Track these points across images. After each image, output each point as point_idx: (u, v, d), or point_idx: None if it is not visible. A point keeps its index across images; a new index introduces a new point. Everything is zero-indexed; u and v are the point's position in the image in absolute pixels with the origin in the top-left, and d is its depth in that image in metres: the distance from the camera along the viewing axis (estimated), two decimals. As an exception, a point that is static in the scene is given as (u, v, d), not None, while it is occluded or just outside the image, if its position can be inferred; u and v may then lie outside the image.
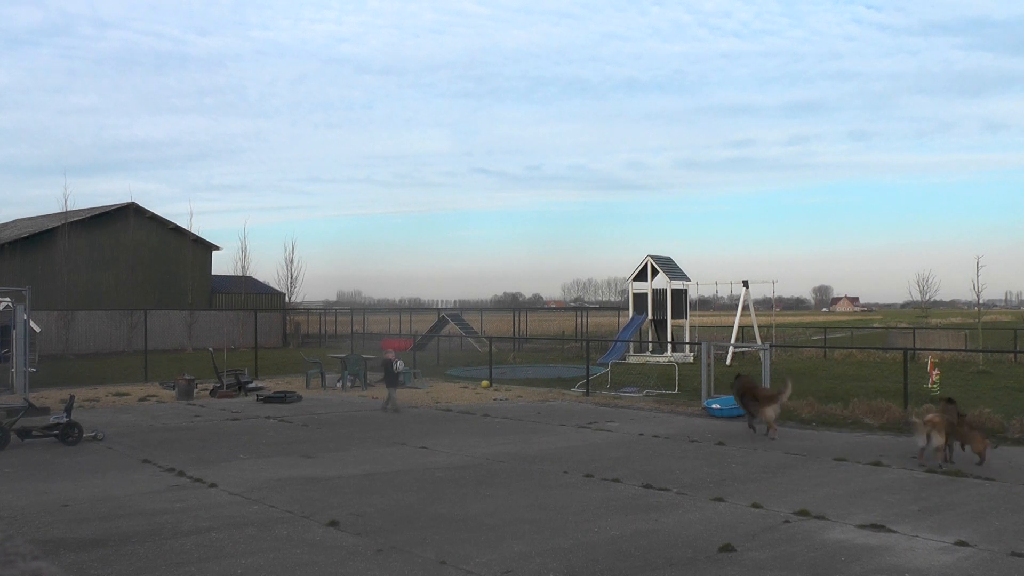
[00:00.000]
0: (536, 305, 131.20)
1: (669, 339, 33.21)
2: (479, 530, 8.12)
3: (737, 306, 35.95)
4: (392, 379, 17.97)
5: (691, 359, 30.87)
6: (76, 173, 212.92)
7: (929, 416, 11.59)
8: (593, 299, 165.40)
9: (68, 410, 13.68)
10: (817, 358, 33.84)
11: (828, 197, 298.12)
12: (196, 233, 46.92)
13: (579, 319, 48.89)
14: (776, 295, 42.11)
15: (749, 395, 14.44)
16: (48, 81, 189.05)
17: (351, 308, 56.49)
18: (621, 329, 36.72)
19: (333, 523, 8.38)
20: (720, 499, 9.43)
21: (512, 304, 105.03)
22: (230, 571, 6.90)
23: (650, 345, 33.15)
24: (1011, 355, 31.54)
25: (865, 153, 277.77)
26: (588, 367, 22.09)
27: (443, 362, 31.14)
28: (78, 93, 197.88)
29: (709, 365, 18.67)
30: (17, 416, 13.65)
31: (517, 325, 46.95)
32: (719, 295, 40.71)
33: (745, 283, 34.99)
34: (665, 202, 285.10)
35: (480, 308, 61.65)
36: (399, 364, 18.21)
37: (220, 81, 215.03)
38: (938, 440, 11.28)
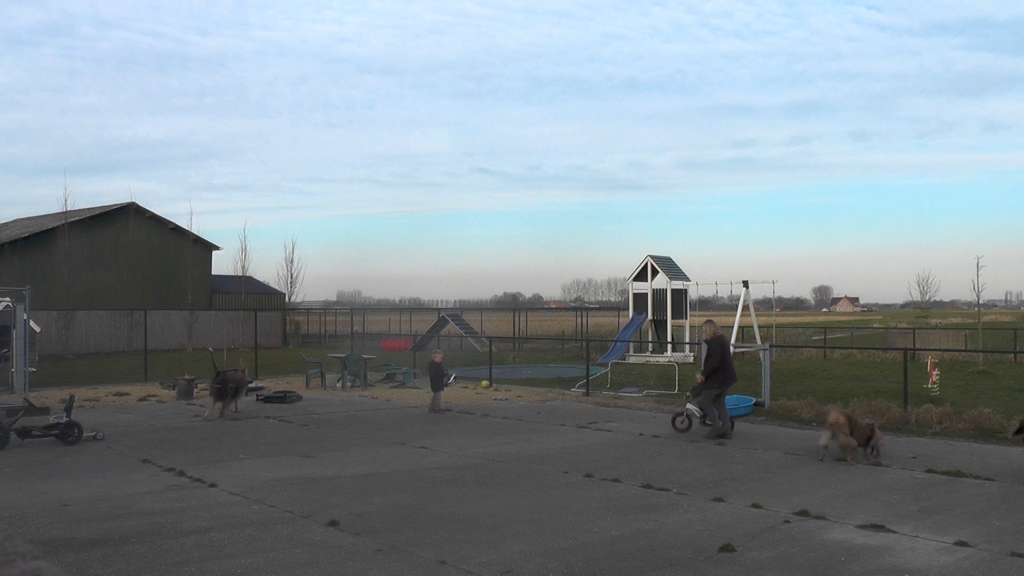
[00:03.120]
0: (536, 305, 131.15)
1: (669, 339, 33.21)
2: (479, 530, 8.12)
3: (737, 306, 35.94)
4: (438, 382, 17.92)
5: (691, 359, 30.87)
6: (76, 173, 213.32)
7: (833, 415, 11.98)
8: (593, 299, 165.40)
9: (68, 410, 13.67)
10: (817, 358, 33.83)
11: (828, 197, 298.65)
12: (196, 233, 46.96)
13: (579, 319, 48.88)
14: (776, 295, 42.13)
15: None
16: (49, 81, 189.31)
17: (351, 308, 56.50)
18: (621, 329, 36.72)
19: (333, 523, 8.38)
20: (720, 499, 9.43)
21: (512, 304, 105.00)
22: (230, 571, 6.90)
23: (650, 345, 33.15)
24: (1011, 355, 31.55)
25: (866, 153, 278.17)
26: (588, 367, 22.08)
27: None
28: (79, 93, 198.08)
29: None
30: (17, 416, 13.64)
31: (517, 325, 46.96)
32: (719, 295, 40.71)
33: (745, 283, 34.99)
34: (665, 202, 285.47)
35: (480, 308, 61.67)
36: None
37: (221, 81, 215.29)
38: (844, 439, 11.68)
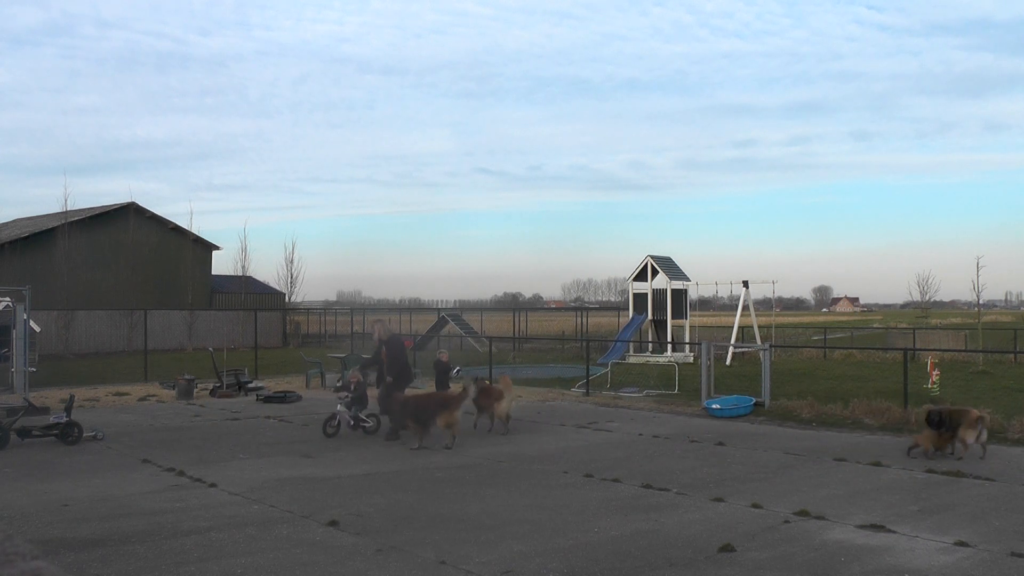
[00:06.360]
0: (536, 305, 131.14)
1: (669, 339, 33.21)
2: (479, 530, 8.12)
3: (737, 306, 35.94)
4: (443, 381, 17.74)
5: (691, 359, 30.86)
6: (77, 173, 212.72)
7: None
8: (593, 299, 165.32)
9: (68, 410, 13.67)
10: (817, 358, 33.83)
11: (828, 197, 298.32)
12: (196, 233, 46.97)
13: (579, 319, 48.88)
14: (776, 295, 42.13)
15: None
16: (50, 81, 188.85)
17: (351, 308, 56.51)
18: (621, 329, 36.72)
19: (333, 523, 8.38)
20: (720, 499, 9.43)
21: (512, 304, 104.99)
22: (230, 571, 6.90)
23: (650, 345, 33.15)
24: (1011, 355, 31.54)
25: (866, 153, 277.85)
26: (588, 367, 22.09)
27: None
28: (79, 93, 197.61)
29: (709, 365, 18.67)
30: (17, 416, 13.65)
31: (517, 325, 46.96)
32: (719, 295, 40.71)
33: (745, 283, 34.98)
34: (665, 202, 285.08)
35: (480, 308, 61.67)
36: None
37: (221, 81, 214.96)
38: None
